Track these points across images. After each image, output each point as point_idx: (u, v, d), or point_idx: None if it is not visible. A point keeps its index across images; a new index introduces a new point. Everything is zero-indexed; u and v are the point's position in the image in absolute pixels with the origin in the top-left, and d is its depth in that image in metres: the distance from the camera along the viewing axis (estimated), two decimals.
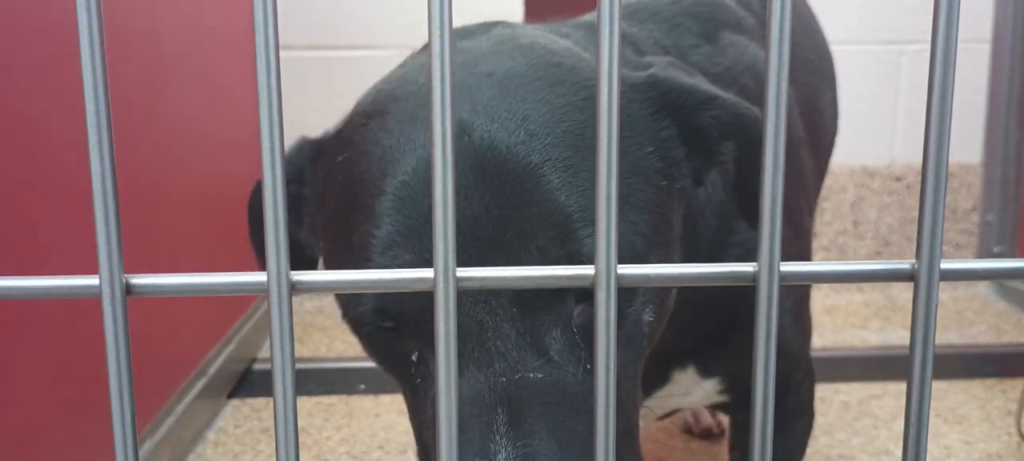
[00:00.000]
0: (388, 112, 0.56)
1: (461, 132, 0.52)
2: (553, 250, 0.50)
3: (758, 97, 0.64)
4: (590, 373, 0.50)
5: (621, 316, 0.54)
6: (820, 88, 0.98)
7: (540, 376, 0.49)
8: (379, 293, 0.51)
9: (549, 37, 0.63)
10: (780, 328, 0.75)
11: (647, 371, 0.78)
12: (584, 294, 0.51)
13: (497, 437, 0.47)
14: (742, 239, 0.74)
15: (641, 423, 0.86)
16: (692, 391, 0.81)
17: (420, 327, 0.52)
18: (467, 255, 0.50)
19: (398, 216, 0.51)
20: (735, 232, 0.74)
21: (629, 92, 0.58)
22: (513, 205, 0.50)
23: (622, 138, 0.55)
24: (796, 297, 0.80)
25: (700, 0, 0.81)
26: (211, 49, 1.54)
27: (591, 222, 0.50)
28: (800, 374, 0.87)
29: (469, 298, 0.49)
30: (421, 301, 0.51)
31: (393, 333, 0.53)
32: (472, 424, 0.48)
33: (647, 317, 0.55)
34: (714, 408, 0.88)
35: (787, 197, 0.84)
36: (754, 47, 0.80)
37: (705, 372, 0.79)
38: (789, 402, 0.87)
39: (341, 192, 0.56)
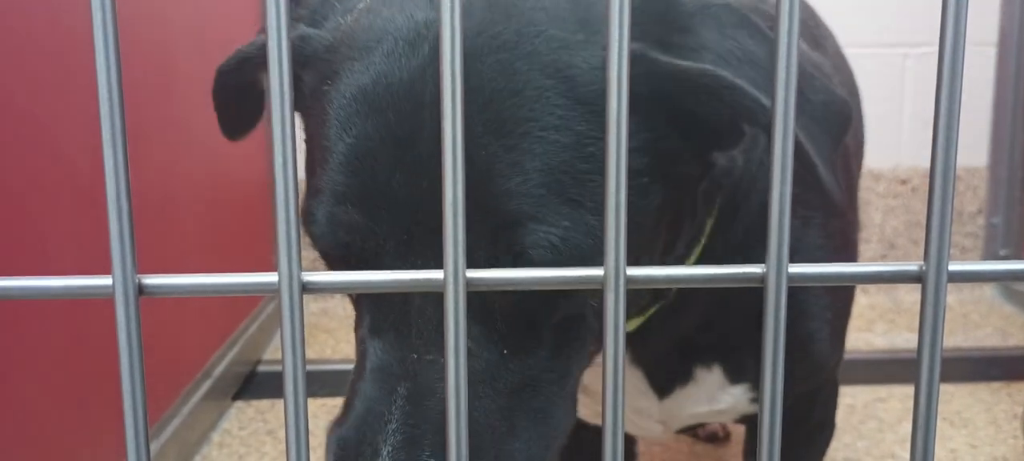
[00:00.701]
0: (373, 53, 0.51)
1: (427, 67, 0.49)
2: (484, 249, 0.47)
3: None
4: (505, 358, 0.50)
5: (564, 313, 0.51)
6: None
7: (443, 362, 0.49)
8: (331, 222, 0.50)
9: None
10: (816, 341, 0.73)
11: (665, 362, 0.74)
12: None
13: (394, 408, 0.48)
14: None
15: (656, 433, 0.84)
16: (718, 398, 0.76)
17: (357, 269, 0.51)
18: (384, 225, 0.48)
19: (350, 170, 0.49)
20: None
21: (603, 71, 0.50)
22: (468, 170, 0.47)
23: (591, 132, 0.49)
24: (836, 312, 0.75)
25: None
26: (220, 55, 1.55)
27: (535, 217, 0.47)
28: (829, 388, 0.85)
29: (399, 267, 0.49)
30: (362, 248, 0.50)
31: (342, 262, 0.52)
32: (375, 387, 0.49)
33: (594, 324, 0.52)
34: (743, 420, 0.83)
35: (850, 212, 0.78)
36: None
37: (734, 376, 0.74)
38: (816, 416, 0.85)
39: (322, 120, 0.53)
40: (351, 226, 0.50)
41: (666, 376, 0.75)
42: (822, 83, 0.53)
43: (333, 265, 0.53)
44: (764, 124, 0.49)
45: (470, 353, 0.49)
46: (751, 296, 0.72)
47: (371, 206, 0.49)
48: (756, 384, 0.73)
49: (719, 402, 0.76)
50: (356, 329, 0.55)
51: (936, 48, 0.29)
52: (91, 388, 1.07)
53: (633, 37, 0.51)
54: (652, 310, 0.67)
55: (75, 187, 1.04)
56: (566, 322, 0.52)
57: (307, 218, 0.52)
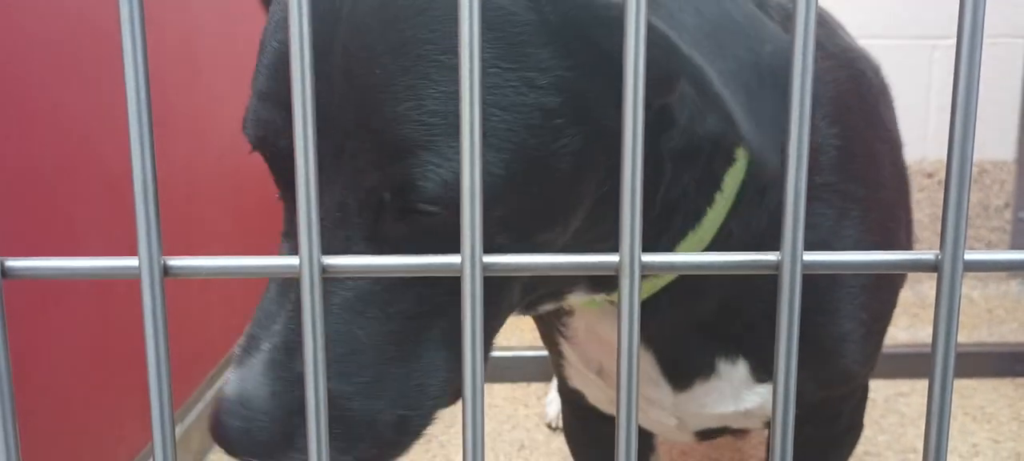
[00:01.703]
0: None
1: (333, 18, 0.48)
2: (372, 175, 0.46)
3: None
4: (394, 284, 0.50)
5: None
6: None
7: (337, 290, 0.49)
8: (255, 120, 0.52)
9: None
10: (848, 343, 0.69)
11: (682, 348, 0.69)
12: (404, 210, 0.47)
13: (282, 310, 0.50)
14: (815, 223, 0.65)
15: (670, 428, 0.80)
16: (744, 397, 0.71)
17: (277, 173, 0.53)
18: (319, 135, 0.49)
19: (276, 71, 0.51)
20: (807, 216, 0.64)
21: (513, 3, 0.47)
22: (352, 114, 0.47)
23: (497, 63, 0.46)
24: (873, 313, 0.70)
25: None
26: (242, 39, 1.56)
27: (426, 147, 0.45)
28: (861, 391, 0.81)
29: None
30: (282, 142, 0.50)
31: (269, 160, 0.54)
32: (273, 290, 0.51)
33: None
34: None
35: (897, 208, 0.72)
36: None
37: (760, 373, 0.69)
38: (844, 420, 0.81)
39: (265, 28, 0.55)
40: (268, 122, 0.51)
41: (683, 365, 0.71)
42: (774, 37, 0.47)
43: (269, 165, 0.54)
44: (684, 72, 0.44)
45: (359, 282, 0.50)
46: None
47: (282, 105, 0.50)
48: None
49: (745, 401, 0.72)
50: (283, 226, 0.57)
51: None
52: (118, 372, 1.09)
53: None
54: (656, 285, 0.63)
55: (104, 175, 1.06)
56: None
57: (243, 121, 0.54)
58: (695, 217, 0.60)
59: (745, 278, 0.64)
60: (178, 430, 1.24)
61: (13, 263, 0.31)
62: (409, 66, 0.46)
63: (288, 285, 0.51)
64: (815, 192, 0.66)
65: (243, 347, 0.51)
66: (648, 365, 0.72)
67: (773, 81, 0.46)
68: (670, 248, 0.61)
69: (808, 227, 0.64)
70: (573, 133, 0.49)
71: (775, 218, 0.63)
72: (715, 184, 0.60)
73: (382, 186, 0.47)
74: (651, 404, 0.76)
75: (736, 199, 0.61)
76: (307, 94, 0.30)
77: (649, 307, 0.65)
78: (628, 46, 0.29)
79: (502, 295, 0.54)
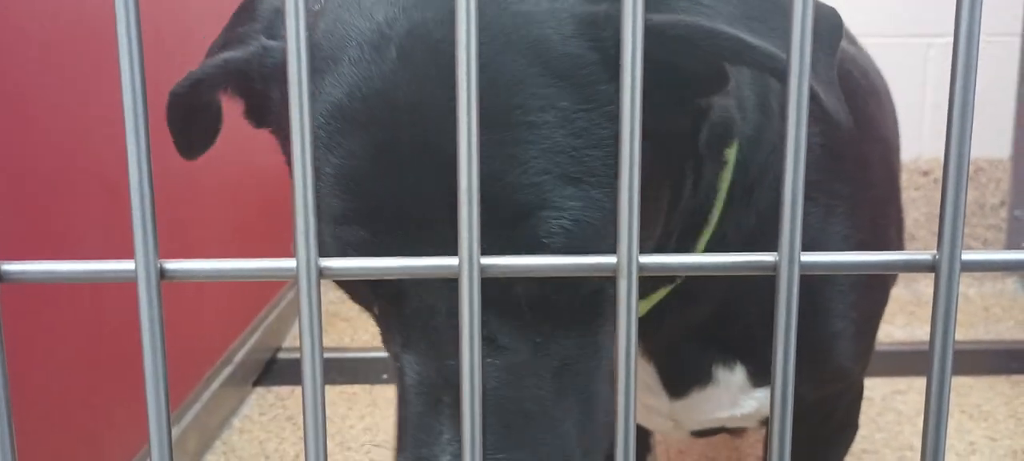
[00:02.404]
0: (340, 62, 0.49)
1: (397, 79, 0.47)
2: (497, 244, 0.45)
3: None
4: (540, 345, 0.49)
5: (586, 290, 0.50)
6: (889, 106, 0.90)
7: (487, 361, 0.48)
8: (339, 243, 0.49)
9: None
10: (840, 342, 0.69)
11: (681, 362, 0.70)
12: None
13: (443, 419, 0.48)
14: (805, 225, 0.66)
15: (667, 430, 0.81)
16: (741, 402, 0.72)
17: (374, 286, 0.51)
18: (392, 236, 0.47)
19: (345, 193, 0.49)
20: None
21: (576, 41, 0.48)
22: (437, 181, 0.46)
23: (577, 107, 0.47)
24: (863, 312, 0.71)
25: None
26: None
27: (543, 205, 0.46)
28: (854, 392, 0.82)
29: (423, 283, 0.48)
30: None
31: (359, 281, 0.52)
32: (420, 403, 0.49)
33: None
34: (766, 421, 0.78)
35: (887, 206, 0.74)
36: None
37: (758, 378, 0.70)
38: (839, 417, 0.82)
39: None
40: (359, 244, 0.49)
41: (681, 375, 0.72)
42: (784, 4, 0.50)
43: (352, 285, 0.54)
44: (749, 61, 0.47)
45: (507, 349, 0.49)
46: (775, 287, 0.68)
47: (373, 222, 0.48)
48: None
49: (742, 407, 0.73)
50: (386, 345, 0.55)
51: None
52: (114, 373, 1.09)
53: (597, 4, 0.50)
54: (661, 294, 0.64)
55: (101, 178, 1.05)
56: (589, 298, 0.51)
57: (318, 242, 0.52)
58: (705, 216, 0.62)
59: (741, 280, 0.64)
60: (174, 432, 1.24)
61: (9, 267, 0.31)
62: (502, 137, 0.46)
63: (426, 388, 0.49)
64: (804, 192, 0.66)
65: None
66: (648, 376, 0.73)
67: (818, 46, 0.47)
68: (692, 248, 0.62)
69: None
70: (646, 149, 0.50)
71: (763, 218, 0.64)
72: (713, 185, 0.61)
73: (507, 251, 0.47)
74: (649, 410, 0.77)
75: (727, 200, 0.62)
76: (304, 96, 0.30)
77: (651, 319, 0.66)
78: (625, 44, 0.29)
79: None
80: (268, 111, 0.58)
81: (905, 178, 2.06)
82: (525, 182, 0.46)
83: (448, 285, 0.48)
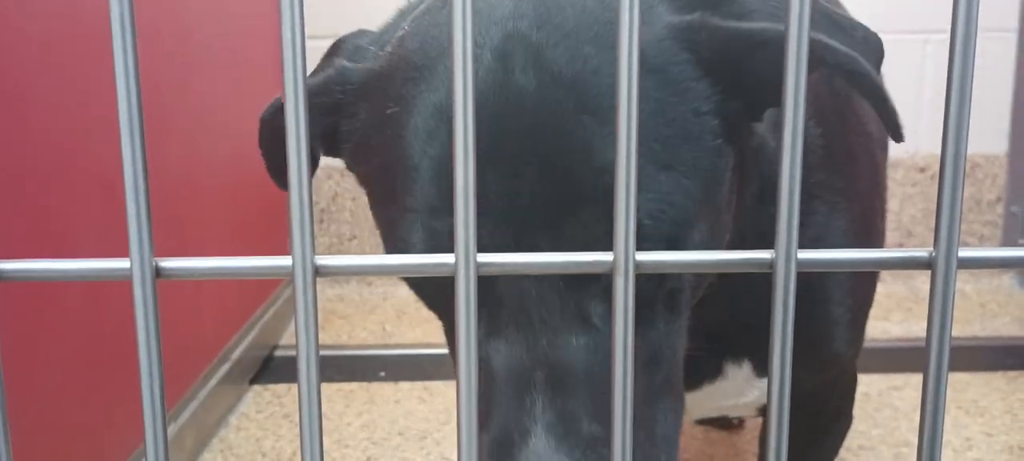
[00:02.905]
0: (435, 70, 0.53)
1: (500, 83, 0.50)
2: (601, 226, 0.48)
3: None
4: (636, 336, 0.50)
5: (666, 290, 0.52)
6: None
7: (583, 341, 0.49)
8: (431, 236, 0.51)
9: None
10: (837, 329, 0.72)
11: (698, 360, 0.73)
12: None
13: (535, 394, 0.48)
14: (814, 221, 0.69)
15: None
16: (746, 392, 0.76)
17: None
18: (503, 236, 0.49)
19: (441, 182, 0.50)
20: (807, 214, 0.69)
21: (669, 42, 0.53)
22: (553, 175, 0.48)
23: (668, 99, 0.51)
24: (856, 301, 0.74)
25: None
26: (237, 40, 1.55)
27: (641, 187, 0.48)
28: (847, 379, 0.84)
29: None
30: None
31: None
32: (511, 386, 0.49)
33: (689, 281, 0.54)
34: (762, 411, 0.82)
35: (874, 198, 0.80)
36: None
37: (760, 370, 0.74)
38: (832, 407, 0.84)
39: (390, 146, 0.54)
40: (449, 235, 0.49)
41: (696, 372, 0.74)
42: (854, 21, 0.55)
43: (423, 285, 0.54)
44: (833, 63, 0.50)
45: (599, 330, 0.49)
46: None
47: None
48: None
49: (746, 395, 0.76)
50: (447, 337, 0.56)
51: None
52: (111, 371, 1.09)
53: (683, 12, 0.54)
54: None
55: (98, 175, 1.05)
56: (669, 296, 0.53)
57: (398, 241, 0.52)
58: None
59: (750, 282, 0.66)
60: (171, 430, 1.24)
61: (5, 265, 0.31)
62: (605, 118, 0.49)
63: (517, 368, 0.49)
64: (811, 190, 0.69)
65: (509, 444, 0.48)
66: None
67: (871, 60, 0.54)
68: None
69: (805, 225, 0.68)
70: (729, 152, 0.54)
71: (775, 220, 0.65)
72: (752, 186, 0.64)
73: (610, 237, 0.49)
74: None
75: (747, 202, 0.64)
76: (300, 95, 0.29)
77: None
78: (622, 45, 0.29)
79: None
80: (339, 137, 0.59)
81: (902, 174, 2.07)
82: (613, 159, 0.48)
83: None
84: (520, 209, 0.49)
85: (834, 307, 0.72)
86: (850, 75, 0.52)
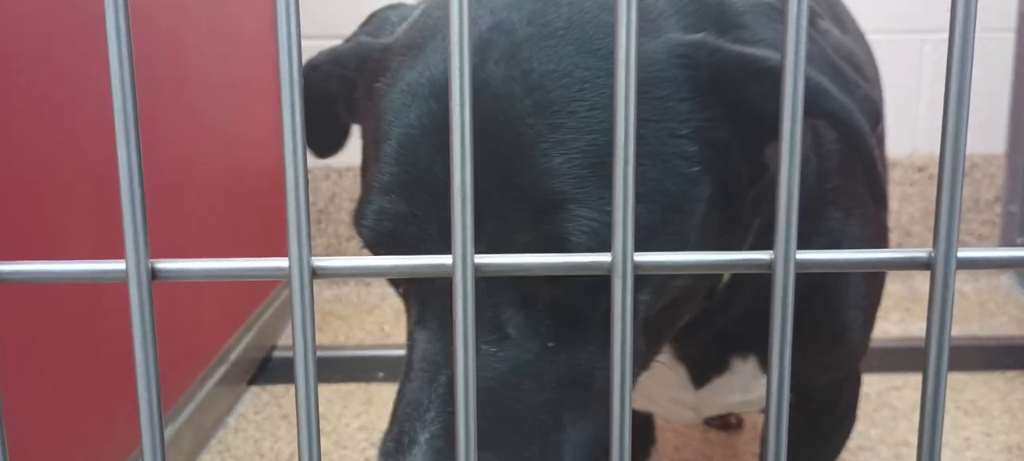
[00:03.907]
0: (423, 49, 0.52)
1: (472, 54, 0.50)
2: (523, 233, 0.47)
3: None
4: (551, 350, 0.49)
5: (607, 307, 0.51)
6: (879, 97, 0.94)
7: (492, 350, 0.48)
8: (378, 214, 0.51)
9: None
10: (851, 330, 0.73)
11: (704, 352, 0.74)
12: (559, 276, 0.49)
13: (434, 396, 0.48)
14: (829, 226, 0.68)
15: (688, 419, 0.83)
16: (752, 388, 0.76)
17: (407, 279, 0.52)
18: (429, 212, 0.49)
19: (397, 162, 0.50)
20: (823, 220, 0.68)
21: (663, 63, 0.51)
22: (491, 170, 0.47)
23: (642, 116, 0.49)
24: (871, 300, 0.75)
25: None
26: (233, 41, 1.55)
27: (577, 200, 0.47)
28: (854, 379, 0.85)
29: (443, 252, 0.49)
30: (404, 237, 0.50)
31: (388, 252, 0.53)
32: (417, 378, 0.49)
33: (643, 301, 0.52)
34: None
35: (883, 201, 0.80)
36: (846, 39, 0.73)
37: (767, 366, 0.75)
38: (840, 406, 0.84)
39: (370, 121, 0.54)
40: (395, 215, 0.50)
41: (706, 367, 0.75)
42: (856, 79, 0.54)
43: (380, 252, 0.53)
44: (828, 110, 0.49)
45: (512, 341, 0.49)
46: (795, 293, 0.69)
47: (413, 193, 0.49)
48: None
49: (752, 391, 0.76)
50: (407, 315, 0.55)
51: None
52: (107, 373, 1.08)
53: (691, 30, 0.52)
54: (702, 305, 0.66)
55: (92, 176, 1.05)
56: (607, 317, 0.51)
57: (357, 217, 0.52)
58: (744, 229, 0.63)
59: (765, 288, 0.66)
60: (169, 431, 1.24)
61: (1, 267, 0.31)
62: (559, 123, 0.48)
63: (428, 364, 0.49)
64: (828, 196, 0.69)
65: (395, 442, 0.48)
66: (680, 376, 0.76)
67: (870, 120, 0.52)
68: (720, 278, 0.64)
69: (824, 231, 0.68)
70: (706, 182, 0.52)
71: (800, 224, 0.66)
72: (762, 213, 0.63)
73: (534, 243, 0.47)
74: (676, 403, 0.81)
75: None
76: (296, 95, 0.29)
77: (687, 330, 0.67)
78: (620, 45, 0.29)
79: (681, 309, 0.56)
80: (353, 99, 0.59)
81: (900, 174, 2.07)
82: (565, 169, 0.47)
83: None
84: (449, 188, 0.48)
85: (850, 310, 0.73)
86: (843, 127, 0.50)
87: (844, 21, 0.90)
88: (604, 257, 0.31)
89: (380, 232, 0.51)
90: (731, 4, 0.54)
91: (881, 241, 0.77)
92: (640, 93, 0.48)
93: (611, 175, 0.46)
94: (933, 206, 1.95)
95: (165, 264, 0.30)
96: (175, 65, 1.30)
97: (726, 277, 0.65)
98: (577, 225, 0.47)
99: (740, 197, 0.57)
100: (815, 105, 0.49)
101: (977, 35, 0.29)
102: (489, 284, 0.49)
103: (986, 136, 2.00)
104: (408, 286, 0.53)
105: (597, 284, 0.48)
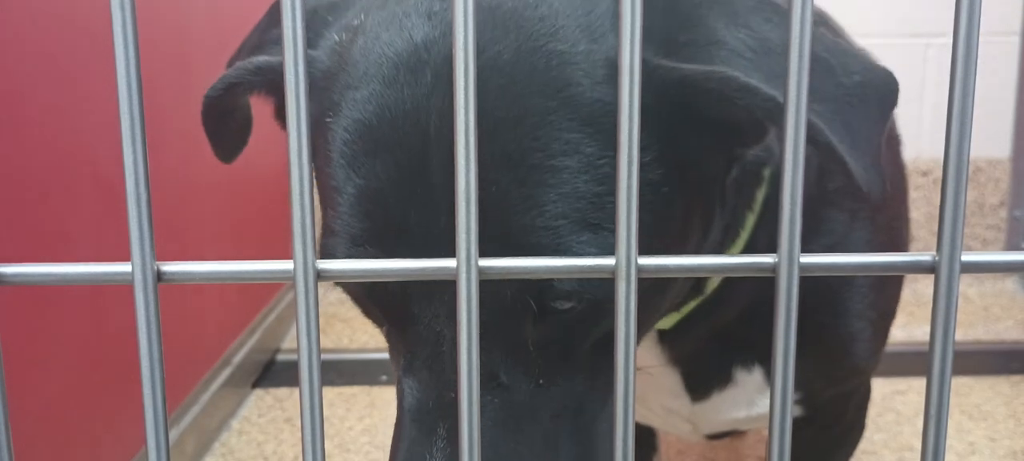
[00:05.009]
0: (371, 82, 0.48)
1: (432, 95, 0.46)
2: (511, 287, 0.46)
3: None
4: (542, 387, 0.49)
5: (595, 337, 0.50)
6: None
7: (486, 398, 0.48)
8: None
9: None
10: (858, 342, 0.70)
11: (704, 366, 0.72)
12: (543, 312, 0.48)
13: (435, 450, 0.47)
14: (830, 228, 0.65)
15: (684, 432, 0.81)
16: (757, 401, 0.73)
17: (384, 310, 0.51)
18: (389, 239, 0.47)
19: (364, 215, 0.48)
20: (824, 221, 0.65)
21: (607, 87, 0.47)
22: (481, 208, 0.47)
23: (601, 153, 0.47)
24: (880, 311, 0.72)
25: None
26: (235, 42, 1.56)
27: (557, 250, 0.45)
28: (863, 390, 0.83)
29: (432, 309, 0.48)
30: (387, 288, 0.49)
31: (369, 301, 0.52)
32: (413, 432, 0.48)
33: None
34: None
35: (899, 205, 0.74)
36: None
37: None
38: (849, 417, 0.83)
39: (322, 154, 0.51)
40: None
41: (704, 378, 0.73)
42: (857, 61, 0.49)
43: (363, 305, 0.53)
44: (781, 123, 0.47)
45: (505, 387, 0.48)
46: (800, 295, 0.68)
47: (389, 246, 0.48)
48: (796, 388, 0.70)
49: (757, 406, 0.73)
50: (392, 363, 0.54)
51: None
52: (112, 375, 1.08)
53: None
54: (691, 305, 0.64)
55: (97, 179, 1.05)
56: (600, 344, 0.50)
57: (326, 258, 0.50)
58: (732, 238, 0.62)
59: (764, 287, 0.64)
60: (173, 434, 1.24)
61: (6, 269, 0.31)
62: (523, 177, 0.46)
63: (423, 415, 0.48)
64: (829, 198, 0.67)
65: None
66: (673, 382, 0.74)
67: (864, 111, 0.47)
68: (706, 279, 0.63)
69: (823, 233, 0.66)
70: (678, 196, 0.50)
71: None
72: (749, 204, 0.62)
73: (522, 297, 0.46)
74: (670, 413, 0.78)
75: (761, 212, 0.62)
76: (301, 96, 0.29)
77: (678, 330, 0.67)
78: (623, 44, 0.29)
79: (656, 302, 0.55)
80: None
81: None
82: (541, 225, 0.46)
83: (454, 313, 0.47)
84: (428, 238, 0.47)
85: (854, 320, 0.70)
86: (810, 141, 0.47)
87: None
88: (608, 260, 0.31)
89: (358, 285, 0.50)
90: None
91: (894, 249, 0.73)
92: (590, 131, 0.46)
93: (586, 218, 0.46)
94: (937, 210, 1.96)
95: (171, 266, 0.30)
96: (179, 68, 1.31)
97: (735, 249, 0.63)
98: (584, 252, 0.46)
99: (719, 187, 0.56)
100: (769, 116, 0.46)
101: (981, 39, 0.29)
102: (482, 333, 0.48)
103: (991, 140, 1.99)
104: (391, 329, 0.52)
105: (583, 318, 0.48)
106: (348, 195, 0.48)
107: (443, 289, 0.47)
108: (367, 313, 0.54)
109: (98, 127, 1.05)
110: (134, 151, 0.29)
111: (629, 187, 0.29)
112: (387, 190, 0.47)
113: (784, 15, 0.49)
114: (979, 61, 0.29)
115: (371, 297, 0.50)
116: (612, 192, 0.47)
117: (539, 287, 0.46)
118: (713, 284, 0.64)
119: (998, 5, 1.91)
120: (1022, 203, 2.02)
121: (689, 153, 0.50)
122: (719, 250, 0.62)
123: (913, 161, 2.03)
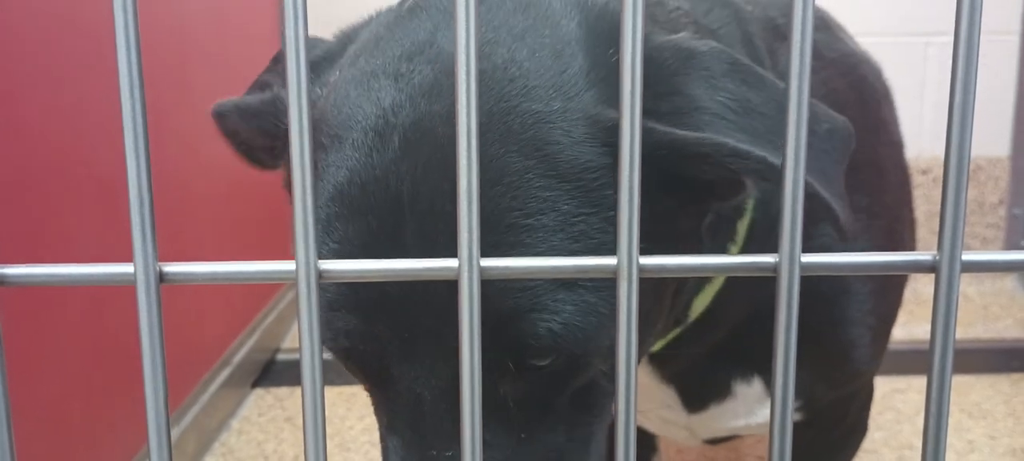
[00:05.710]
0: (343, 144, 0.48)
1: (400, 160, 0.47)
2: (488, 347, 0.44)
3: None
4: (524, 441, 0.49)
5: (575, 387, 0.50)
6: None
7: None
8: (330, 327, 0.49)
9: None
10: (857, 348, 0.70)
11: (700, 380, 0.71)
12: (520, 369, 0.48)
13: None
14: (821, 245, 0.65)
15: (681, 438, 0.81)
16: (756, 412, 0.73)
17: (364, 371, 0.51)
18: (384, 327, 0.47)
19: (342, 283, 0.47)
20: (812, 238, 0.65)
21: (586, 146, 0.47)
22: (452, 294, 0.46)
23: (579, 211, 0.46)
24: (880, 315, 0.72)
25: None
26: (237, 45, 1.56)
27: (534, 309, 0.45)
28: (865, 394, 0.83)
29: (412, 371, 0.48)
30: (366, 350, 0.49)
31: (348, 362, 0.52)
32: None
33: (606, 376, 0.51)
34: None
35: (902, 209, 0.76)
36: None
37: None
38: (850, 419, 0.83)
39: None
40: (350, 332, 0.48)
41: (700, 392, 0.72)
42: (823, 111, 0.51)
43: (345, 365, 0.53)
44: (773, 181, 0.47)
45: (488, 445, 0.48)
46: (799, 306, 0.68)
47: (366, 312, 0.48)
48: (796, 394, 0.68)
49: (757, 416, 0.73)
50: (376, 416, 0.54)
51: None
52: (113, 375, 1.09)
53: (614, 101, 0.48)
54: (673, 334, 0.64)
55: (97, 180, 1.05)
56: (579, 394, 0.50)
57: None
58: (728, 243, 0.62)
59: (760, 298, 0.64)
60: (173, 433, 1.24)
61: (8, 270, 0.31)
62: (498, 239, 0.46)
63: (419, 449, 0.48)
64: (820, 212, 0.66)
65: None
66: (667, 397, 0.74)
67: (833, 158, 0.49)
68: (688, 308, 0.62)
69: (817, 246, 0.65)
70: (654, 250, 0.50)
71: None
72: (731, 237, 0.62)
73: (499, 355, 0.47)
74: (666, 422, 0.78)
75: (746, 239, 0.63)
76: (303, 100, 0.29)
77: (667, 353, 0.67)
78: (625, 46, 0.29)
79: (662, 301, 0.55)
80: (280, 153, 0.58)
81: None
82: (517, 285, 0.46)
83: (434, 374, 0.47)
84: (415, 315, 0.47)
85: (855, 327, 0.70)
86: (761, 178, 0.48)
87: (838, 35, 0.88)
88: (610, 260, 0.31)
89: (337, 347, 0.50)
90: (661, 62, 0.49)
91: (896, 250, 0.73)
92: (569, 187, 0.46)
93: (559, 279, 0.46)
94: (937, 209, 1.96)
95: (173, 267, 0.30)
96: (178, 67, 1.31)
97: (707, 298, 0.63)
98: (536, 330, 0.46)
99: (695, 236, 0.56)
100: (760, 176, 0.47)
101: (982, 38, 0.29)
102: (455, 395, 0.47)
103: (991, 139, 1.99)
104: (372, 389, 0.52)
105: (561, 372, 0.48)
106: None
107: (421, 352, 0.47)
108: (350, 372, 0.54)
109: (98, 127, 1.05)
110: (136, 152, 0.29)
111: (630, 187, 0.29)
112: (358, 256, 0.47)
113: (758, 76, 0.50)
114: (979, 60, 0.29)
115: (351, 358, 0.50)
116: (588, 249, 0.47)
117: (516, 346, 0.46)
118: (697, 312, 0.63)
119: (998, 5, 1.91)
120: (1022, 201, 2.02)
121: (666, 211, 0.51)
122: (703, 285, 0.62)
123: (913, 160, 2.02)
